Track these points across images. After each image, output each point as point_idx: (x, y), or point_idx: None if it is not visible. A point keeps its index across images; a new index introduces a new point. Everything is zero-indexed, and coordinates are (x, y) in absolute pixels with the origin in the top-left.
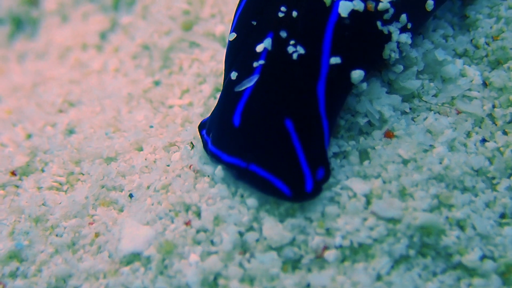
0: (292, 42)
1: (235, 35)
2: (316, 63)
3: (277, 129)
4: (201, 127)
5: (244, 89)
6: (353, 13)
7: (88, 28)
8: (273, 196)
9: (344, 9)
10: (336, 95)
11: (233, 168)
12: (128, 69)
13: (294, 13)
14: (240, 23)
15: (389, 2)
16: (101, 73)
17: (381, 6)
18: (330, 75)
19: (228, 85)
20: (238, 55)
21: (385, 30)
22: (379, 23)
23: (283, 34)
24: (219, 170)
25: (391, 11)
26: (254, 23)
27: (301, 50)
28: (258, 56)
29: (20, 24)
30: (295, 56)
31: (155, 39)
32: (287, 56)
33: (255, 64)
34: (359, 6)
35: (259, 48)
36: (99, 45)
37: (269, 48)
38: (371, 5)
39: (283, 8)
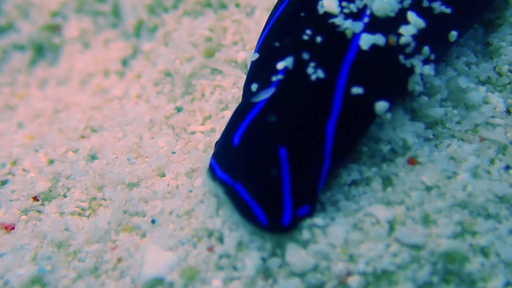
0: (312, 64)
1: (258, 55)
2: (330, 96)
3: (269, 155)
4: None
5: (251, 109)
6: (375, 46)
7: (110, 54)
8: (249, 222)
9: (365, 42)
10: (351, 130)
11: (221, 183)
12: (150, 95)
13: (319, 39)
14: (264, 45)
15: (411, 36)
16: (122, 99)
17: (403, 40)
18: (344, 110)
19: (246, 97)
20: (259, 73)
21: (408, 63)
22: (401, 57)
23: (305, 56)
24: None
25: (413, 44)
26: (278, 44)
27: (320, 73)
28: (278, 72)
29: (42, 51)
30: (313, 77)
31: (177, 66)
32: (305, 76)
33: (273, 78)
34: (380, 41)
35: (280, 65)
36: (120, 71)
37: (290, 66)
38: (392, 39)
39: (308, 31)
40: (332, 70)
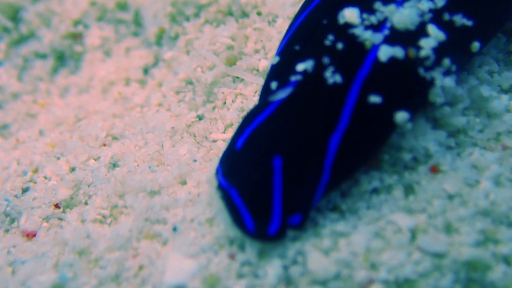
0: (331, 68)
1: (279, 58)
2: (340, 108)
3: (264, 163)
4: None
5: (259, 114)
6: (393, 58)
7: (131, 63)
8: (238, 229)
9: (384, 54)
10: (359, 145)
11: (219, 188)
12: (171, 103)
13: (340, 45)
14: (285, 49)
15: (432, 49)
16: (144, 107)
17: (423, 53)
18: (352, 124)
19: (263, 97)
20: (279, 75)
21: (428, 76)
22: (421, 70)
23: (326, 60)
24: None
25: (433, 57)
26: (298, 48)
27: (338, 78)
28: (297, 73)
29: (63, 59)
30: (331, 81)
31: (198, 74)
32: (322, 81)
33: (292, 78)
34: (399, 53)
35: (300, 67)
36: (142, 79)
37: (309, 69)
38: (412, 52)
39: (330, 37)
40: (349, 77)
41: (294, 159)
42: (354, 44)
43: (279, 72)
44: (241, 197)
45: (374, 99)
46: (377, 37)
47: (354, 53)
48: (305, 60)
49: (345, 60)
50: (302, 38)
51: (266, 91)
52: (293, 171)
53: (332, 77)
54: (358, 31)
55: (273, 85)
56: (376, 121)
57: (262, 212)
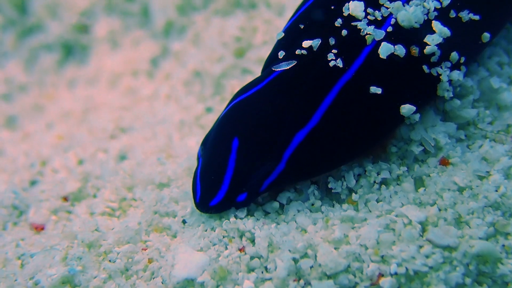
0: (334, 51)
1: (283, 34)
2: (318, 101)
3: (226, 141)
4: None
5: (248, 90)
6: (395, 56)
7: (139, 54)
8: (192, 198)
9: (384, 51)
10: (328, 144)
11: (197, 157)
12: (179, 95)
13: (345, 32)
14: (292, 26)
15: (437, 45)
16: (152, 99)
17: (428, 49)
18: (322, 124)
19: (268, 63)
20: (287, 46)
21: (433, 72)
22: (425, 67)
23: (332, 41)
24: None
25: (438, 53)
26: (306, 25)
27: (340, 63)
28: (302, 48)
29: (71, 51)
30: (331, 63)
31: (206, 66)
32: (324, 60)
33: (297, 52)
34: (400, 51)
35: (306, 43)
36: (150, 71)
37: (315, 47)
38: (414, 51)
39: (339, 20)
40: (348, 62)
41: (252, 143)
42: (356, 35)
43: (286, 45)
44: (201, 169)
45: (376, 90)
46: (379, 33)
47: (354, 44)
48: (313, 38)
49: (346, 48)
50: (310, 18)
51: (270, 63)
52: (248, 153)
53: (334, 60)
54: (361, 24)
55: (281, 54)
56: (350, 124)
57: (210, 186)
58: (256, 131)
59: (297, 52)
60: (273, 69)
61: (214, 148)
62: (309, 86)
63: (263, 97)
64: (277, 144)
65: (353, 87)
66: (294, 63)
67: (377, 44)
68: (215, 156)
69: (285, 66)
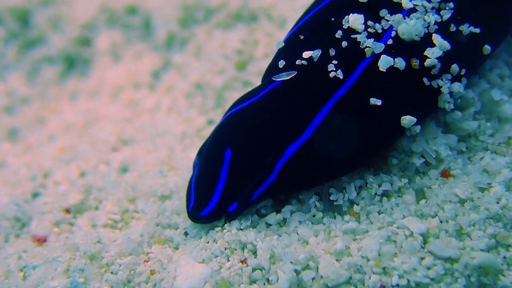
0: (335, 62)
1: (283, 44)
2: (311, 115)
3: (219, 153)
4: None
5: (248, 99)
6: (395, 69)
7: (141, 67)
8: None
9: (384, 64)
10: (318, 158)
11: (193, 166)
12: (181, 108)
13: (344, 43)
14: (293, 36)
15: (437, 58)
16: (154, 111)
17: (428, 62)
18: (315, 137)
19: (268, 75)
20: (287, 55)
21: (434, 84)
22: (425, 79)
23: (332, 52)
24: (274, 215)
25: (439, 65)
26: (307, 36)
27: (340, 74)
28: (302, 58)
29: (73, 64)
30: (331, 74)
31: (208, 78)
32: (324, 71)
33: (297, 62)
34: (400, 64)
35: (306, 54)
36: (151, 84)
37: (315, 58)
38: (415, 63)
39: (340, 32)
40: (345, 75)
41: (245, 154)
42: (355, 48)
43: (286, 54)
44: (195, 178)
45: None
46: (379, 46)
47: (352, 57)
48: (313, 49)
49: (344, 61)
50: (311, 29)
51: (270, 72)
52: (239, 164)
53: (334, 71)
54: (360, 37)
55: (281, 63)
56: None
57: (203, 195)
58: (249, 142)
59: (297, 62)
60: (273, 79)
61: (207, 158)
62: (304, 99)
63: (258, 108)
64: (270, 155)
65: (349, 101)
66: (294, 73)
67: (375, 57)
68: (208, 166)
69: (285, 77)
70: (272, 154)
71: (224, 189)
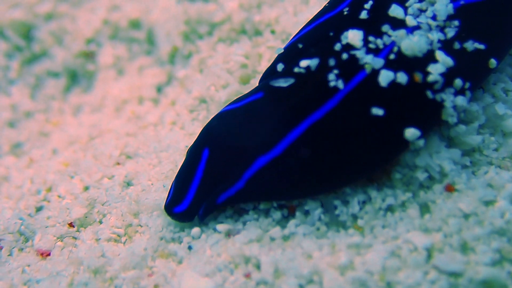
0: (336, 71)
1: (283, 50)
2: (281, 135)
3: (198, 151)
4: None
5: (237, 102)
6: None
7: (144, 81)
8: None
9: (384, 79)
10: (288, 173)
11: None
12: (185, 122)
13: (345, 55)
14: (292, 46)
15: (440, 74)
16: (157, 126)
17: (431, 78)
18: (286, 154)
19: (265, 75)
20: (286, 61)
21: (437, 97)
22: (429, 93)
23: (331, 62)
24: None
25: (441, 81)
26: (306, 46)
27: (340, 85)
28: (300, 67)
29: (76, 78)
30: (332, 84)
31: (212, 92)
32: (324, 80)
33: (296, 70)
34: (402, 79)
35: (303, 63)
36: (155, 98)
37: (313, 67)
38: (418, 77)
39: (338, 45)
40: (318, 102)
41: (220, 156)
42: (355, 63)
43: (285, 61)
44: (177, 174)
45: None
46: (378, 62)
47: (350, 70)
48: (311, 58)
49: (344, 72)
50: (311, 40)
51: (267, 75)
52: (214, 166)
53: (334, 81)
54: (359, 53)
55: (279, 67)
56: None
57: (180, 192)
58: (225, 145)
59: (296, 70)
60: (271, 84)
61: (189, 155)
62: (282, 115)
63: (241, 114)
64: (240, 162)
65: (324, 126)
66: (292, 81)
67: (370, 74)
68: (188, 163)
69: (282, 83)
70: (242, 162)
71: (198, 188)
